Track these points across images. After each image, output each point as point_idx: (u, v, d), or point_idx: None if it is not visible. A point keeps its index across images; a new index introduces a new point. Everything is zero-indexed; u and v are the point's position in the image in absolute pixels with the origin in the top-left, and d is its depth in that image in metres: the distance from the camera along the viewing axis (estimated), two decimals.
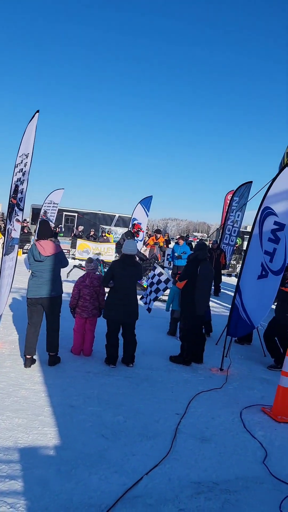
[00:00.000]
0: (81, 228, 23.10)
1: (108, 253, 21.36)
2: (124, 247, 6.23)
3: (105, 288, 6.28)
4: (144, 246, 15.97)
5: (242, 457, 3.95)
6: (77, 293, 6.47)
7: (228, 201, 32.49)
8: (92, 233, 22.36)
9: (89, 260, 6.66)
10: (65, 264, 5.90)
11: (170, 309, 8.21)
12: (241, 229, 16.96)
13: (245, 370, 6.66)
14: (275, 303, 7.15)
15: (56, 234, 16.50)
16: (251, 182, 14.55)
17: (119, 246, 14.62)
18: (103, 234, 23.06)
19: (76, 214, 30.43)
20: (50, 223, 16.65)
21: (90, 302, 6.42)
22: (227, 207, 32.28)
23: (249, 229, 30.60)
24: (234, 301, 6.14)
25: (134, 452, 3.83)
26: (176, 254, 14.80)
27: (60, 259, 5.80)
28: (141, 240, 14.98)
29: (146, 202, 15.16)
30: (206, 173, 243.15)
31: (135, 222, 15.64)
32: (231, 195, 32.92)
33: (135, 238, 13.90)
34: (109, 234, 23.84)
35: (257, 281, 5.86)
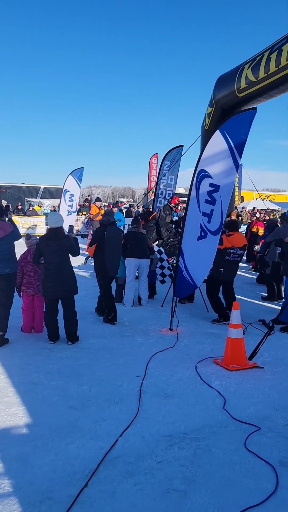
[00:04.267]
0: (5, 202, 22.25)
1: (39, 226, 20.89)
2: (48, 221, 6.19)
3: None
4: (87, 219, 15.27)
5: (204, 406, 4.25)
6: (21, 270, 6.36)
7: (154, 165, 32.73)
8: (19, 207, 21.65)
9: (28, 237, 6.55)
10: (18, 237, 6.06)
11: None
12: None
13: (192, 327, 7.01)
14: None
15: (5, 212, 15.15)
16: (182, 146, 14.73)
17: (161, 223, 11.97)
18: (30, 208, 22.43)
19: None
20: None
21: (34, 279, 6.36)
22: (157, 171, 32.44)
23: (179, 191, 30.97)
24: (178, 263, 6.38)
25: (104, 417, 3.98)
26: None
27: (13, 237, 5.90)
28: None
29: (77, 174, 14.91)
30: (126, 137, 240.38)
31: (173, 195, 14.35)
32: (156, 158, 33.15)
33: (174, 212, 12.53)
34: (39, 207, 23.22)
35: (197, 242, 6.11)
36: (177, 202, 12.68)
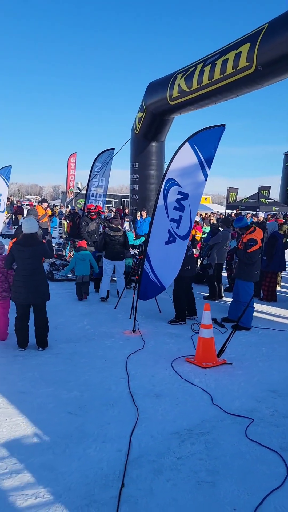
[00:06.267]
0: None
1: None
2: (23, 226, 6.10)
3: None
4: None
5: (195, 403, 4.55)
6: None
7: (72, 164, 32.50)
8: None
9: None
10: None
11: (75, 275, 8.66)
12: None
13: (152, 328, 7.27)
14: None
15: None
16: (113, 149, 14.96)
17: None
18: None
19: None
20: None
21: None
22: (75, 170, 32.09)
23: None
24: (143, 266, 6.62)
25: (107, 421, 4.10)
26: None
27: None
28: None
29: (4, 172, 14.38)
30: (35, 132, 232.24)
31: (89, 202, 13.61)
32: (74, 157, 32.90)
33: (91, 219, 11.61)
34: None
35: (164, 246, 6.41)
36: (88, 209, 12.32)
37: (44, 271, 6.14)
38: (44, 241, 6.93)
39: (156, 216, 6.36)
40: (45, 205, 12.25)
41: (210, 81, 11.91)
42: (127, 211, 17.19)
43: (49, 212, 12.35)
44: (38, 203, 12.69)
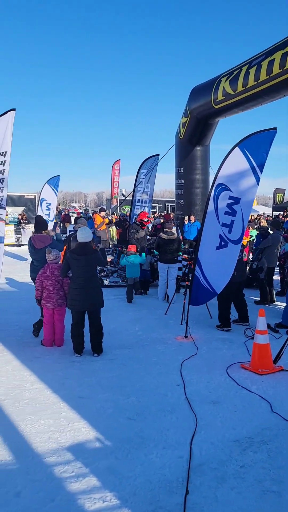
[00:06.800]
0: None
1: (8, 235, 20.49)
2: (78, 235, 6.25)
3: None
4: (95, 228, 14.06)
5: (254, 411, 4.50)
6: (40, 284, 6.41)
7: (116, 171, 32.95)
8: None
9: (49, 251, 6.56)
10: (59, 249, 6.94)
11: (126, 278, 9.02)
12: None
13: (203, 333, 7.24)
14: None
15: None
16: (158, 155, 15.07)
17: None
18: None
19: None
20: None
21: (53, 293, 6.39)
22: (119, 177, 32.55)
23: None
24: (194, 272, 6.62)
25: (166, 427, 4.13)
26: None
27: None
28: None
29: (53, 182, 14.88)
30: (76, 139, 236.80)
31: (139, 212, 13.45)
32: (118, 164, 33.33)
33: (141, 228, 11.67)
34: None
35: (216, 251, 6.38)
36: (142, 219, 12.10)
37: (98, 278, 6.29)
38: (95, 247, 7.14)
39: (206, 221, 6.34)
40: (103, 213, 12.54)
41: (256, 82, 11.75)
42: (171, 216, 17.24)
43: (107, 220, 12.60)
44: (95, 212, 13.06)
